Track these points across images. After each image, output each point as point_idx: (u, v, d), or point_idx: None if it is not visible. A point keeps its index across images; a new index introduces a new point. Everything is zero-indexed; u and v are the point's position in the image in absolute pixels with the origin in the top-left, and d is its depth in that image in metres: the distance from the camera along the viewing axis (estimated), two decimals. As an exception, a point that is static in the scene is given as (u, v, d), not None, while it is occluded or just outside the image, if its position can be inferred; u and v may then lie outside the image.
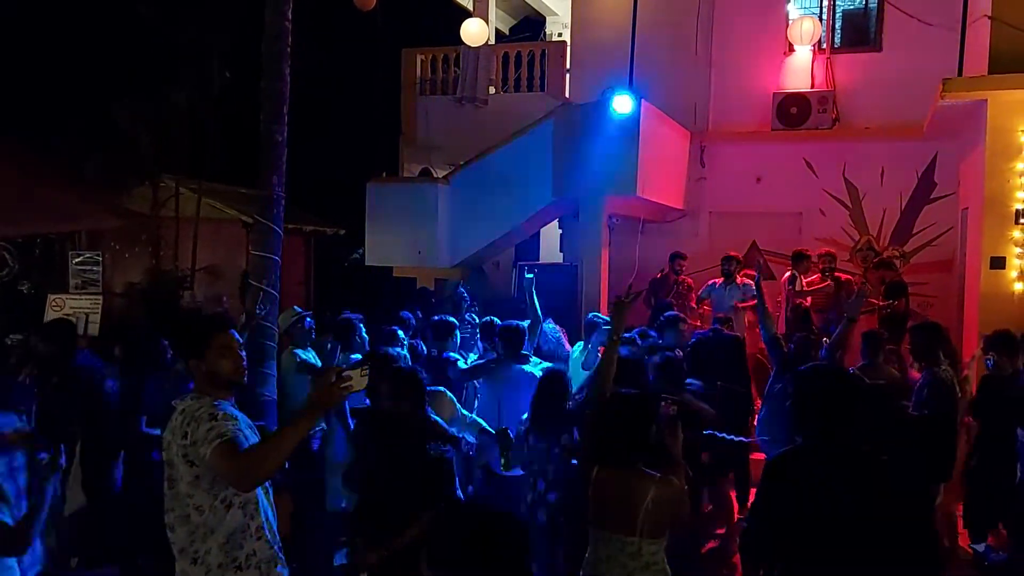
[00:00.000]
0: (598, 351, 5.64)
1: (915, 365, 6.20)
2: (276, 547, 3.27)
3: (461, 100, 12.53)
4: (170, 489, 3.15)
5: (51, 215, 12.30)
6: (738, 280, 9.63)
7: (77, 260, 10.28)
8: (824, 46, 11.47)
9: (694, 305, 9.99)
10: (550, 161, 9.90)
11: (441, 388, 5.42)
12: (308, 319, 6.83)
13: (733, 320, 8.69)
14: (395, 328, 6.74)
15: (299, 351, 6.60)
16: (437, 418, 4.67)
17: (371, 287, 12.90)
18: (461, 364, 6.41)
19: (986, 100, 8.24)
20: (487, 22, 12.24)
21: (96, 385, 5.97)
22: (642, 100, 9.51)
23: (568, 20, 13.35)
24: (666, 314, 7.56)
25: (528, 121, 10.34)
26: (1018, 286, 8.10)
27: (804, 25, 11.03)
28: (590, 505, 3.75)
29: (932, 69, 8.98)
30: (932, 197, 11.11)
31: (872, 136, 11.09)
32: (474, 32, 11.38)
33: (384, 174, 12.34)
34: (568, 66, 12.56)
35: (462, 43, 11.61)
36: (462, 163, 11.03)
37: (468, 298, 9.00)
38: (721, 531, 6.89)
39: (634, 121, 9.39)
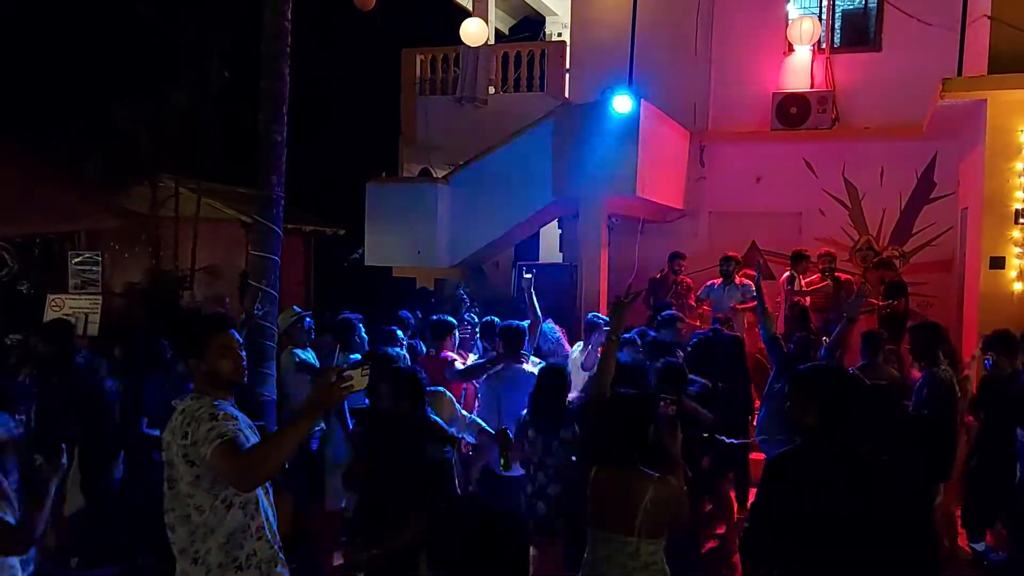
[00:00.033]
0: (598, 351, 5.65)
1: (915, 365, 6.20)
2: (276, 547, 3.27)
3: (461, 100, 12.53)
4: (170, 489, 3.15)
5: (51, 215, 12.30)
6: (737, 280, 9.63)
7: (76, 260, 10.29)
8: (824, 46, 11.47)
9: (693, 304, 9.98)
10: (550, 161, 9.89)
11: (441, 388, 5.43)
12: (307, 319, 6.83)
13: (733, 320, 8.69)
14: (394, 328, 6.75)
15: (298, 351, 6.61)
16: (437, 418, 4.68)
17: (370, 287, 12.90)
18: (458, 365, 6.41)
19: (986, 100, 8.24)
20: (487, 22, 12.23)
21: (96, 385, 5.98)
22: (642, 100, 9.52)
23: (568, 20, 13.34)
24: (664, 313, 7.58)
25: (528, 121, 10.34)
26: (1017, 286, 8.11)
27: (804, 25, 11.03)
28: (589, 505, 3.75)
29: (932, 69, 8.99)
30: (932, 197, 11.11)
31: (872, 136, 11.09)
32: (474, 32, 11.38)
33: (384, 174, 12.33)
34: (568, 66, 12.55)
35: (462, 43, 11.61)
36: (462, 163, 11.03)
37: (467, 298, 9.00)
38: (721, 531, 6.89)
39: (634, 121, 9.38)
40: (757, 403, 7.52)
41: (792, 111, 11.15)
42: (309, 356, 6.68)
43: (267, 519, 3.26)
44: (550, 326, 7.38)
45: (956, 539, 6.44)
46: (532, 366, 5.90)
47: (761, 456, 6.72)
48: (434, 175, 12.83)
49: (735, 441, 6.28)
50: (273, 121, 5.84)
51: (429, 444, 4.38)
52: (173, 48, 13.69)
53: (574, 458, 4.69)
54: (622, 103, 9.25)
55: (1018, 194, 8.11)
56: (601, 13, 12.14)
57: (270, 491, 3.34)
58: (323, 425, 6.06)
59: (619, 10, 10.97)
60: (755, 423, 7.00)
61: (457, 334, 6.83)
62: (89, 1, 14.90)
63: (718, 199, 11.79)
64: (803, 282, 9.76)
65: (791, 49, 11.49)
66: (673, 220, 11.78)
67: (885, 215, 11.32)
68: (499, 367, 6.01)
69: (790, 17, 11.55)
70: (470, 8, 13.06)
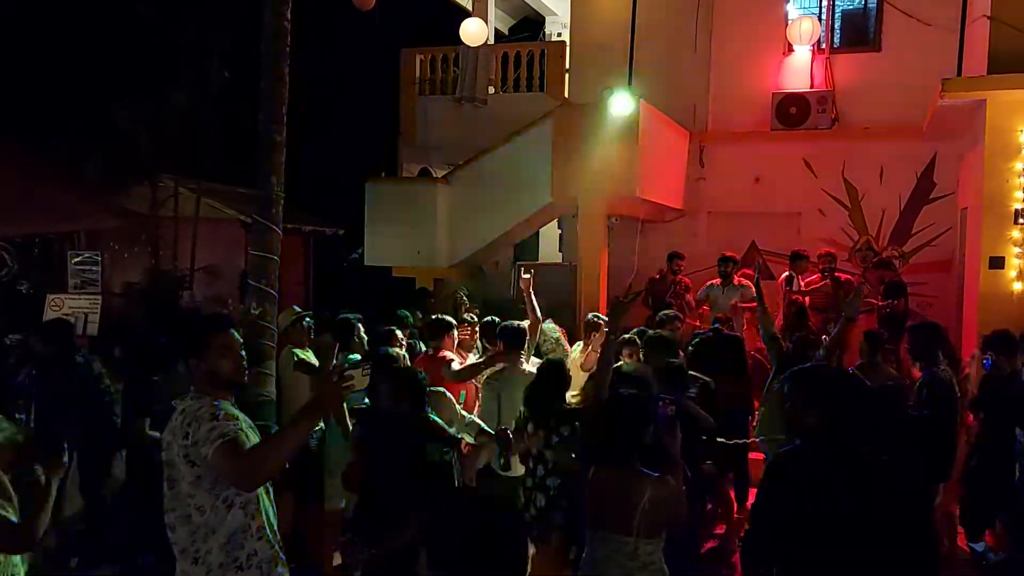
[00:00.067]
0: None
1: (915, 365, 6.21)
2: (277, 547, 3.27)
3: (460, 100, 12.53)
4: (170, 489, 3.15)
5: (50, 215, 12.31)
6: (735, 280, 9.64)
7: (76, 260, 10.28)
8: (823, 46, 11.48)
9: (692, 304, 9.98)
10: (549, 161, 9.89)
11: (441, 388, 5.43)
12: (307, 319, 6.83)
13: (732, 320, 8.70)
14: (393, 328, 6.74)
15: (298, 351, 6.61)
16: (437, 418, 4.68)
17: (370, 287, 12.90)
18: (455, 364, 6.40)
19: (985, 100, 8.25)
20: (486, 22, 12.23)
21: (95, 385, 5.98)
22: (641, 100, 9.52)
23: (567, 20, 13.35)
24: (661, 313, 7.60)
25: (527, 121, 10.34)
26: (1017, 286, 8.11)
27: (803, 25, 11.03)
28: (587, 505, 3.75)
29: (931, 69, 9.00)
30: (931, 197, 11.11)
31: (871, 136, 11.09)
32: (473, 32, 11.38)
33: (383, 174, 12.33)
34: (567, 66, 12.56)
35: (461, 43, 11.61)
36: (461, 163, 11.03)
37: (467, 298, 9.00)
38: (721, 531, 6.89)
39: (633, 121, 9.39)
40: (756, 403, 7.53)
41: (792, 111, 11.16)
42: (309, 356, 6.68)
43: (268, 519, 3.26)
44: (550, 326, 7.39)
45: (956, 539, 6.44)
46: (532, 366, 5.90)
47: (760, 456, 6.72)
48: (433, 175, 12.83)
49: (735, 442, 6.28)
50: (272, 121, 5.83)
51: (429, 444, 4.38)
52: (173, 48, 13.69)
53: (573, 455, 4.69)
54: (621, 103, 9.25)
55: (1018, 194, 8.12)
56: (601, 13, 12.14)
57: (270, 491, 3.35)
58: (321, 425, 6.05)
59: (619, 10, 10.97)
60: (754, 423, 7.01)
61: (456, 334, 6.83)
62: (89, 1, 14.90)
63: (717, 199, 11.79)
64: (802, 282, 9.76)
65: (791, 49, 11.49)
66: (672, 220, 11.79)
67: (885, 215, 11.32)
68: (499, 367, 6.01)
69: (790, 17, 11.55)
70: (470, 8, 13.05)
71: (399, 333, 6.60)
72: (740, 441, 6.72)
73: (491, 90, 12.72)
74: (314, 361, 6.63)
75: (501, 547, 2.15)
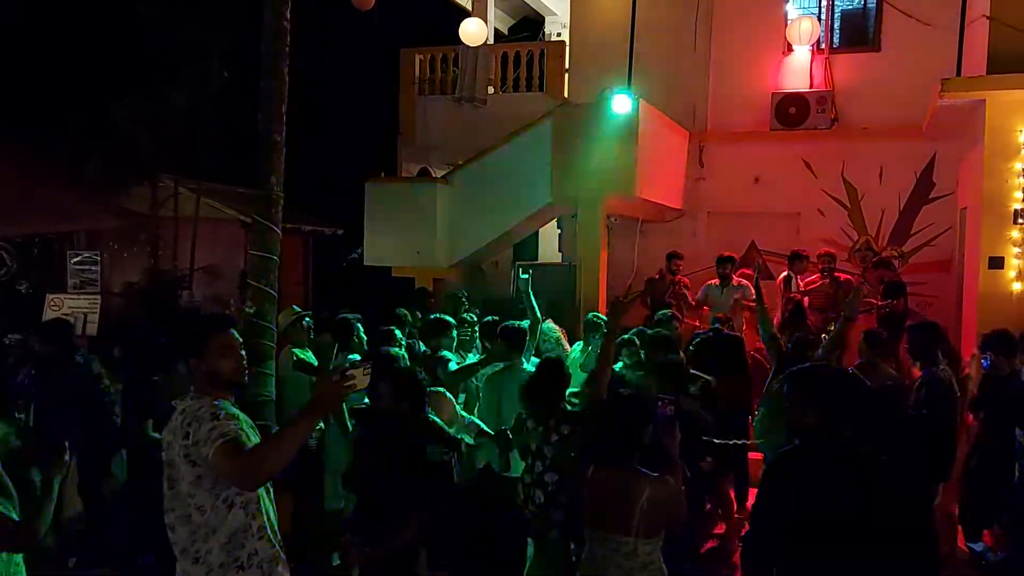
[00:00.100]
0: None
1: (915, 365, 6.21)
2: (278, 546, 3.27)
3: (460, 100, 12.54)
4: (171, 489, 3.15)
5: (50, 215, 12.29)
6: (735, 281, 9.64)
7: (75, 260, 10.26)
8: (823, 46, 11.48)
9: (692, 304, 9.99)
10: (549, 161, 9.90)
11: (441, 388, 5.42)
12: (307, 318, 6.83)
13: (732, 320, 8.70)
14: (393, 328, 6.74)
15: (297, 351, 6.61)
16: (437, 419, 4.67)
17: (369, 287, 12.89)
18: (453, 365, 6.40)
19: (985, 100, 8.26)
20: (486, 22, 12.24)
21: (95, 385, 5.98)
22: (641, 100, 9.52)
23: (567, 20, 13.35)
24: (660, 313, 7.60)
25: (527, 121, 10.35)
26: (1016, 286, 8.12)
27: (803, 25, 11.03)
28: (586, 504, 3.75)
29: (931, 69, 9.01)
30: (931, 197, 11.11)
31: (871, 136, 11.09)
32: (473, 32, 11.38)
33: (383, 174, 12.32)
34: (567, 66, 12.56)
35: (461, 43, 11.62)
36: (461, 163, 11.04)
37: (466, 298, 9.00)
38: (721, 531, 6.90)
39: (633, 121, 9.39)
40: (755, 403, 7.54)
41: (791, 111, 11.16)
42: (308, 356, 6.69)
43: (268, 519, 3.26)
44: (550, 326, 7.39)
45: (956, 539, 6.44)
46: (532, 366, 5.89)
47: (760, 456, 6.73)
48: (433, 175, 12.83)
49: (734, 442, 6.28)
50: (272, 121, 5.84)
51: (429, 444, 4.38)
52: (173, 48, 13.67)
53: (572, 454, 4.69)
54: (621, 103, 9.25)
55: (1017, 194, 8.12)
56: (600, 13, 12.15)
57: (271, 491, 3.35)
58: (322, 425, 6.06)
59: (618, 10, 10.98)
60: (753, 423, 7.01)
61: (456, 334, 6.83)
62: (89, 1, 14.89)
63: (717, 199, 11.79)
64: (802, 283, 9.76)
65: (790, 49, 11.49)
66: (672, 220, 11.79)
67: (884, 215, 11.32)
68: (500, 367, 6.01)
69: (789, 17, 11.55)
70: (469, 8, 13.06)
71: (398, 333, 6.60)
72: (740, 442, 6.72)
73: (491, 90, 12.72)
74: (314, 361, 6.63)
75: (501, 546, 2.16)
